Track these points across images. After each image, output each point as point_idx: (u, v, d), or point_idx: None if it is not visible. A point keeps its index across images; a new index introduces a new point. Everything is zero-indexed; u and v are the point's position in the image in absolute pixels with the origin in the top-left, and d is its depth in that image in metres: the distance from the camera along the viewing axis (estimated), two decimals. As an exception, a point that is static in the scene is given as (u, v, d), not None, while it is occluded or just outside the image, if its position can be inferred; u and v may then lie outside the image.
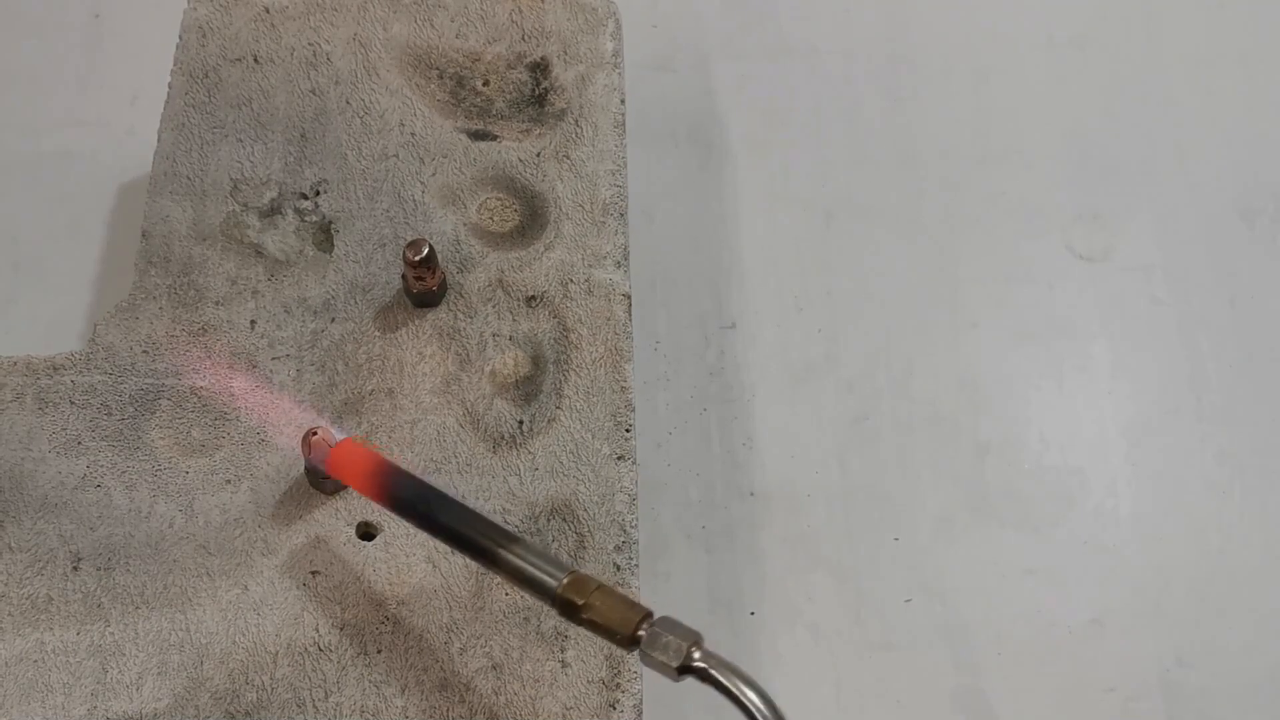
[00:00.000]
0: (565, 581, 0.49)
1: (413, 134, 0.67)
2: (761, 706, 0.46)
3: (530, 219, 0.66)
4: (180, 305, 0.62)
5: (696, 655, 0.47)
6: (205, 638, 0.55)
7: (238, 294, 0.62)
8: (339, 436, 0.56)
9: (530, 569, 0.50)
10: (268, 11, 0.70)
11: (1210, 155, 0.86)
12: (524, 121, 0.68)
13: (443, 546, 0.57)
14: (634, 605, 0.48)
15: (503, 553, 0.50)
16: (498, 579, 0.56)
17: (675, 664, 0.46)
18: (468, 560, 0.57)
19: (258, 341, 0.61)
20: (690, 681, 0.47)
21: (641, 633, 0.47)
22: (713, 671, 0.46)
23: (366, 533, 0.58)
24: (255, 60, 0.68)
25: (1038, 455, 0.75)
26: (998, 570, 0.72)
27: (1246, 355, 0.79)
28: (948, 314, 0.79)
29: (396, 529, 0.57)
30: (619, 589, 0.50)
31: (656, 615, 0.48)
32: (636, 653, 0.47)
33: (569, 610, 0.49)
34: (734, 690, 0.46)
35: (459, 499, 0.53)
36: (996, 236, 0.82)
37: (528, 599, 0.56)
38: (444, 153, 0.67)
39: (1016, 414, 0.77)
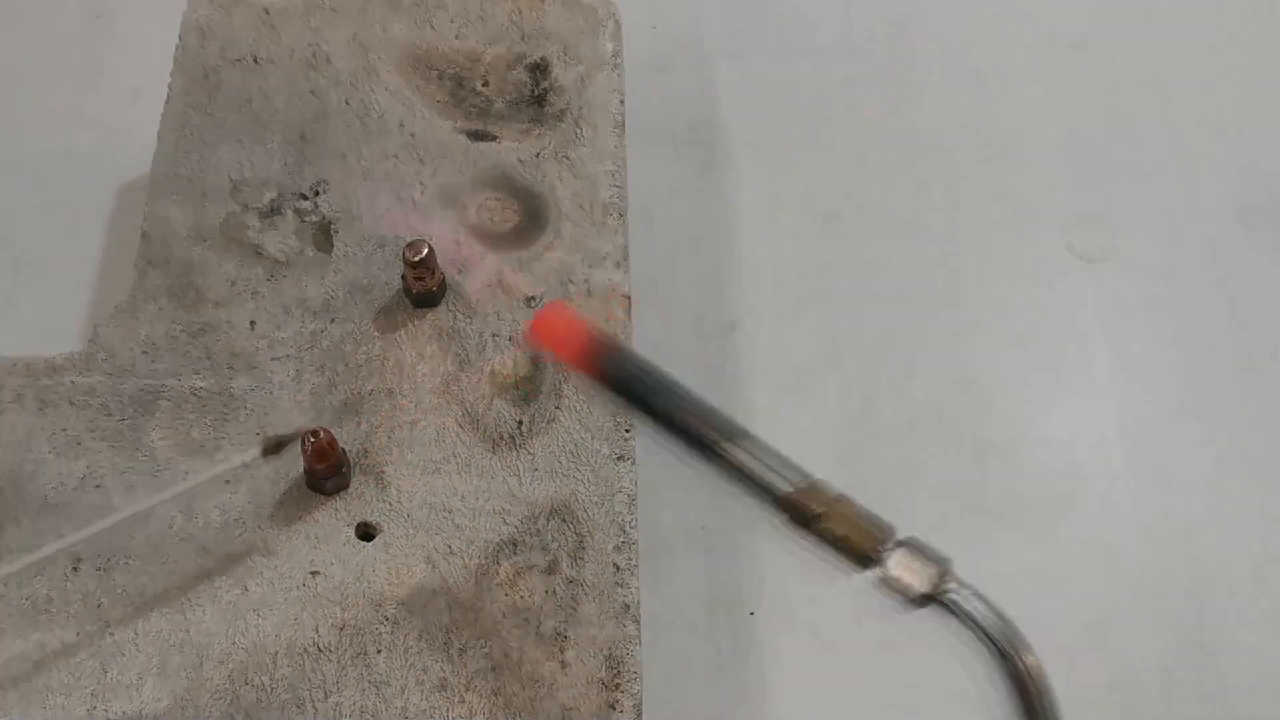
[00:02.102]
0: (802, 486, 0.45)
1: (412, 135, 0.67)
2: (1011, 649, 0.43)
3: (530, 219, 0.66)
4: (180, 306, 0.62)
5: (950, 585, 0.44)
6: (205, 638, 0.55)
7: (237, 295, 0.62)
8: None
9: (760, 466, 0.46)
10: (267, 12, 0.70)
11: (1210, 155, 0.86)
12: (524, 122, 0.68)
13: (442, 547, 0.57)
14: (878, 521, 0.45)
15: (729, 446, 0.46)
16: (497, 580, 0.56)
17: (923, 590, 0.44)
18: (467, 561, 0.57)
19: (257, 342, 0.61)
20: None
21: (883, 552, 0.44)
22: (962, 604, 0.44)
23: (366, 533, 0.58)
24: (255, 61, 0.68)
25: (1038, 455, 0.75)
26: (998, 570, 0.71)
27: (1246, 355, 0.79)
28: (948, 314, 0.79)
29: (396, 530, 0.58)
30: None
31: (899, 536, 0.44)
32: (877, 572, 0.44)
33: (801, 518, 0.45)
34: (984, 625, 0.44)
35: (677, 383, 0.48)
36: (996, 236, 0.82)
37: (527, 599, 0.56)
38: (444, 153, 0.67)
39: (1016, 414, 0.77)
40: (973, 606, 0.43)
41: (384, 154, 0.66)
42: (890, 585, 0.43)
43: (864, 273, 0.80)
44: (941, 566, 0.43)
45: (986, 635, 0.43)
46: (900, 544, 0.44)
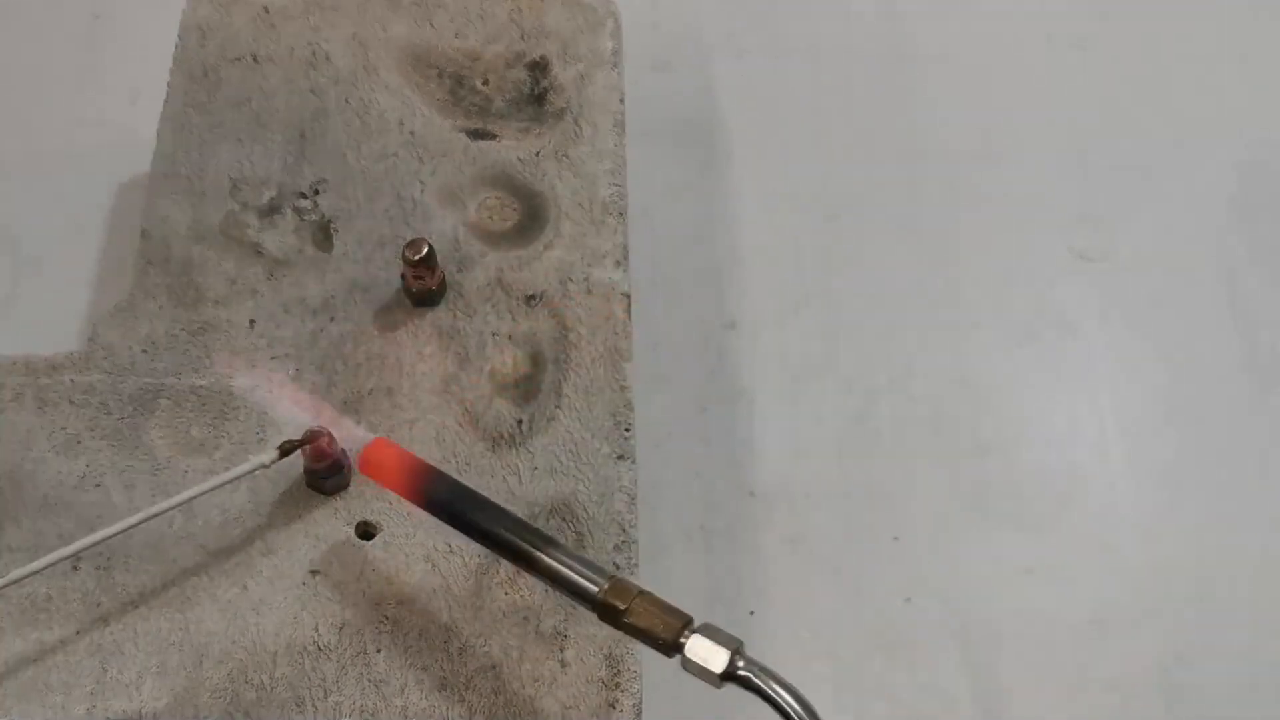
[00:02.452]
0: (606, 586, 0.49)
1: (412, 133, 0.67)
2: (804, 715, 0.46)
3: (530, 218, 0.66)
4: (179, 305, 0.62)
5: (740, 663, 0.47)
6: (205, 637, 0.54)
7: (237, 293, 0.62)
8: (361, 434, 0.55)
9: (570, 573, 0.50)
10: (267, 11, 0.70)
11: (1210, 155, 0.86)
12: (523, 120, 0.68)
13: (442, 546, 0.57)
14: (676, 611, 0.49)
15: (541, 556, 0.50)
16: (497, 579, 0.56)
17: (719, 671, 0.47)
18: (467, 560, 0.57)
19: (257, 341, 0.61)
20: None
21: (684, 639, 0.48)
22: (755, 679, 0.47)
23: (366, 532, 0.58)
24: (254, 60, 0.68)
25: (1038, 455, 0.75)
26: (998, 570, 0.72)
27: (1246, 355, 0.79)
28: (948, 314, 0.79)
29: (396, 529, 0.57)
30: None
31: (696, 622, 0.48)
32: (679, 659, 0.48)
33: (611, 615, 0.49)
34: (776, 698, 0.47)
35: (493, 501, 0.53)
36: (996, 236, 0.82)
37: (527, 598, 0.56)
38: (443, 152, 0.67)
39: (1016, 414, 0.77)
40: (764, 681, 0.46)
41: (383, 152, 0.66)
42: (690, 669, 0.47)
43: (864, 273, 0.80)
44: (732, 648, 0.46)
45: (783, 709, 0.46)
46: (696, 630, 0.47)
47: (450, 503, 0.53)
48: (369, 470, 0.55)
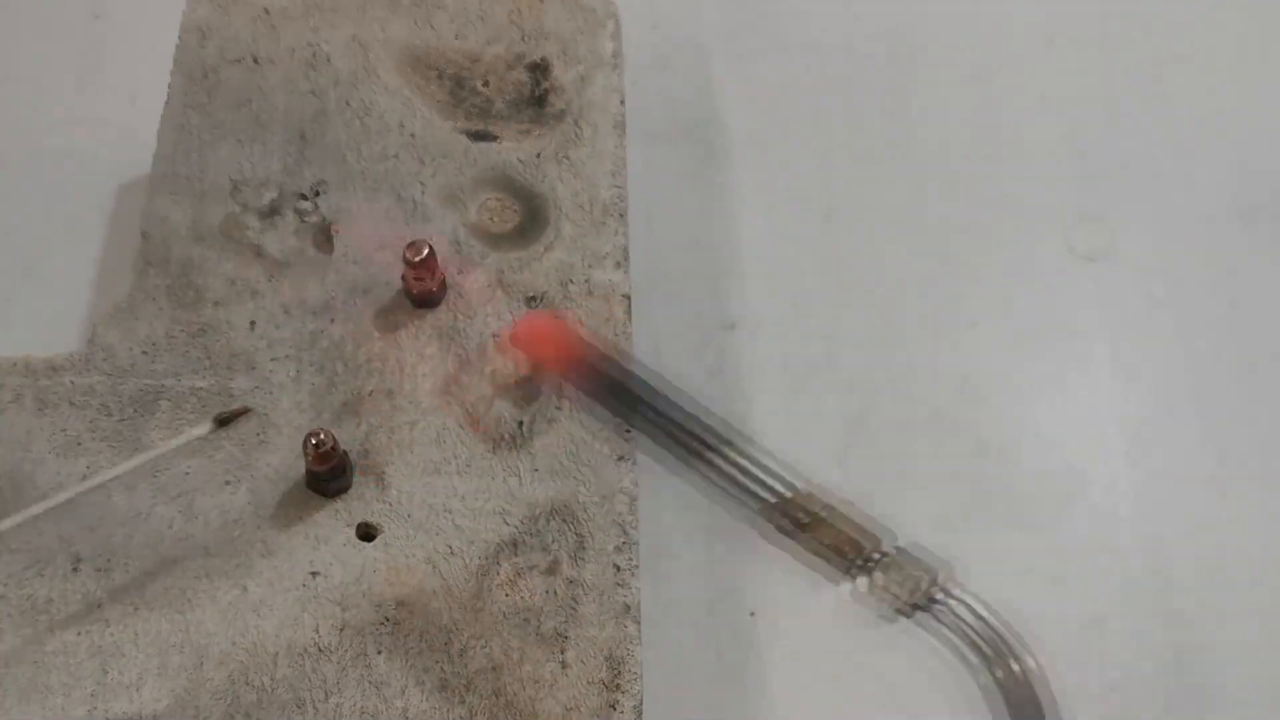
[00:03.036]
0: (791, 495, 0.46)
1: (412, 134, 0.67)
2: (998, 650, 0.44)
3: (530, 219, 0.66)
4: (179, 306, 0.62)
5: (937, 593, 0.45)
6: (205, 638, 0.55)
7: (237, 294, 0.62)
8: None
9: (757, 471, 0.47)
10: (267, 12, 0.70)
11: (1210, 155, 0.86)
12: (524, 122, 0.68)
13: (442, 547, 0.57)
14: (866, 531, 0.46)
15: (726, 450, 0.47)
16: (498, 580, 0.56)
17: (907, 599, 0.45)
18: (467, 561, 0.57)
19: (257, 342, 0.61)
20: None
21: (875, 557, 0.45)
22: (949, 612, 0.45)
23: (366, 533, 0.58)
24: (255, 61, 0.68)
25: (1038, 455, 0.75)
26: (997, 570, 0.72)
27: (1246, 355, 0.79)
28: (948, 314, 0.79)
29: (396, 529, 0.58)
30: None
31: (891, 544, 0.46)
32: (865, 580, 0.45)
33: (793, 523, 0.46)
34: (968, 632, 0.45)
35: (674, 391, 0.49)
36: (996, 236, 0.82)
37: (528, 599, 0.56)
38: (444, 153, 0.67)
39: (1016, 414, 0.77)
40: (961, 614, 0.44)
41: (384, 154, 0.66)
42: (877, 592, 0.44)
43: (864, 273, 0.80)
44: (930, 575, 0.44)
45: (973, 642, 0.44)
46: (889, 552, 0.44)
47: (625, 386, 0.48)
48: (523, 344, 0.50)
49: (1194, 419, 0.77)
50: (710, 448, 0.46)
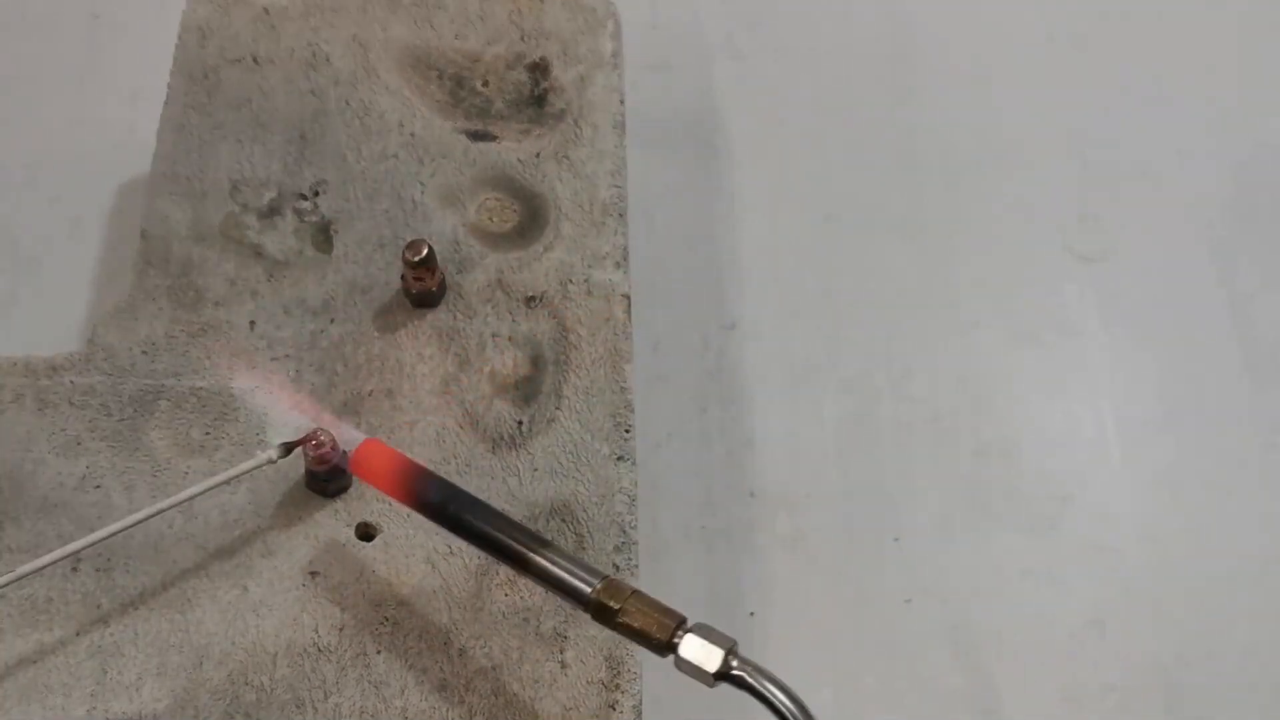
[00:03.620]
0: (600, 586, 0.49)
1: (412, 134, 0.67)
2: (797, 713, 0.46)
3: (530, 219, 0.66)
4: (179, 306, 0.62)
5: (734, 663, 0.47)
6: (204, 638, 0.55)
7: (237, 294, 0.62)
8: (354, 434, 0.56)
9: (563, 574, 0.50)
10: (267, 12, 0.70)
11: (1210, 155, 0.86)
12: (523, 122, 0.68)
13: (442, 547, 0.57)
14: (669, 611, 0.49)
15: (534, 557, 0.50)
16: (497, 580, 0.56)
17: (712, 670, 0.47)
18: (467, 561, 0.57)
19: (257, 342, 0.61)
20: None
21: (677, 639, 0.48)
22: (749, 679, 0.47)
23: (366, 533, 0.58)
24: (255, 61, 0.68)
25: (1038, 455, 0.75)
26: (997, 571, 0.72)
27: (1246, 355, 0.79)
28: (948, 314, 0.79)
29: (396, 529, 0.57)
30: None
31: (690, 621, 0.48)
32: (672, 658, 0.48)
33: (605, 615, 0.49)
34: (770, 698, 0.47)
35: (486, 501, 0.53)
36: (996, 236, 0.82)
37: (527, 600, 0.56)
38: (443, 153, 0.67)
39: (1017, 414, 0.77)
40: (758, 681, 0.47)
41: (383, 154, 0.66)
42: (683, 668, 0.47)
43: (864, 273, 0.80)
44: (726, 647, 0.47)
45: (775, 708, 0.46)
46: (689, 629, 0.47)
47: (442, 504, 0.52)
48: (360, 471, 0.55)
49: (1194, 419, 0.77)
50: (528, 552, 0.49)
